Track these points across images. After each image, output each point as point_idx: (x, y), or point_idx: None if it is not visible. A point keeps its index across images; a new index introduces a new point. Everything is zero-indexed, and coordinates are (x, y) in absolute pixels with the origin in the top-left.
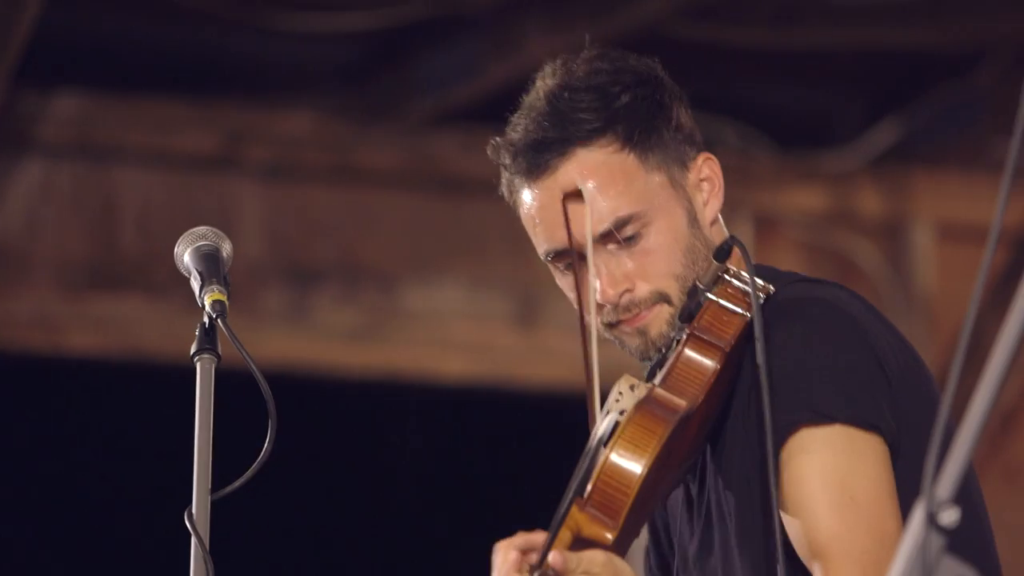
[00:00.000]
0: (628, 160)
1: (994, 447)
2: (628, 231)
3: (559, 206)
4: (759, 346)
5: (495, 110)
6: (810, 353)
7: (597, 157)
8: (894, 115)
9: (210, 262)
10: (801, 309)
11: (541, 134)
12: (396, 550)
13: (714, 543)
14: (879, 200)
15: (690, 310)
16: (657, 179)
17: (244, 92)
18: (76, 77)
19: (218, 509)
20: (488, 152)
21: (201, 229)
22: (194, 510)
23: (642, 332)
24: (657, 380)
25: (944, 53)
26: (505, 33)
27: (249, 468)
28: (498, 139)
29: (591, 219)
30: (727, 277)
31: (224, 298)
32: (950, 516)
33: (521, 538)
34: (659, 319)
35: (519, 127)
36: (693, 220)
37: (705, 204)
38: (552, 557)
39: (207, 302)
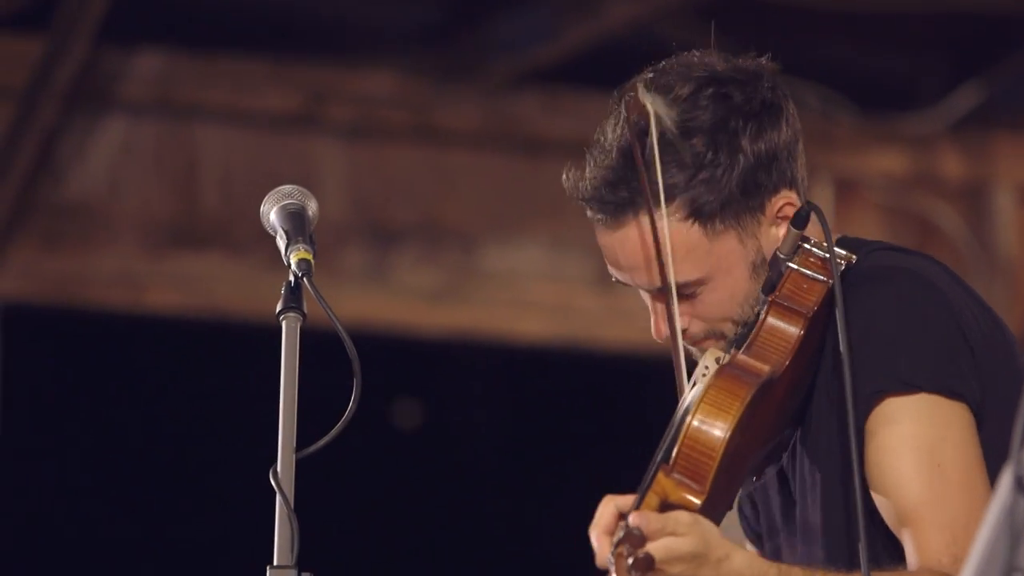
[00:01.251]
0: (692, 231)
1: None
2: (684, 291)
3: (624, 253)
4: (839, 311)
5: (575, 71)
6: (894, 322)
7: (662, 223)
8: (976, 78)
9: (296, 220)
10: (884, 277)
11: (611, 193)
12: (475, 511)
13: (800, 519)
14: (960, 163)
15: (772, 281)
16: (722, 242)
17: (325, 51)
18: (158, 35)
19: (302, 467)
20: (562, 180)
21: (287, 188)
22: (279, 469)
23: (701, 351)
24: (741, 349)
25: None
26: None
27: (333, 427)
28: (573, 174)
29: (647, 279)
30: (807, 246)
31: (310, 257)
32: None
33: (624, 498)
34: (715, 345)
35: (592, 168)
36: (758, 266)
37: (779, 238)
38: (633, 518)
39: (293, 260)
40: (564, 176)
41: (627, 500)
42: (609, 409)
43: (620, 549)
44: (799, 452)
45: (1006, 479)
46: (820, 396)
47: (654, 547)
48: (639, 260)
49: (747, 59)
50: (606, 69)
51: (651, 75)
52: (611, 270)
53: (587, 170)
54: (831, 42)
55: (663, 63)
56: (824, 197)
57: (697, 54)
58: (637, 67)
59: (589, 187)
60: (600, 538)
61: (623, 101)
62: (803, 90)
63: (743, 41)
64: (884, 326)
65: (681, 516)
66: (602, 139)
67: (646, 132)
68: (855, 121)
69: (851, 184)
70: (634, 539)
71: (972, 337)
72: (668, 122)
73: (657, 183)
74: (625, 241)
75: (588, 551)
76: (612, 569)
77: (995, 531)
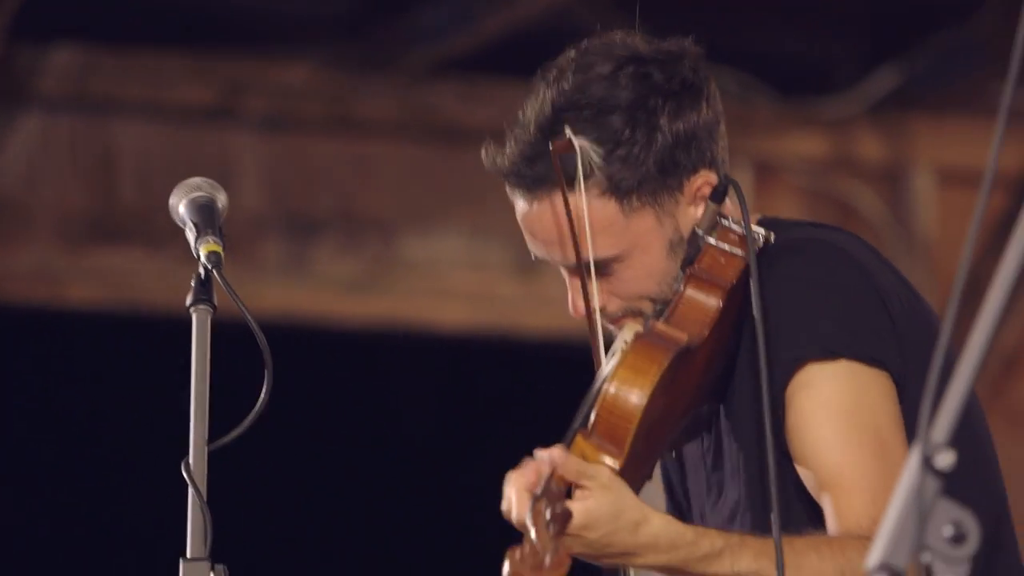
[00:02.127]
0: (608, 207)
1: (996, 391)
2: (601, 268)
3: (541, 228)
4: (754, 285)
5: (492, 60)
6: (812, 291)
7: (578, 200)
8: (894, 61)
9: (205, 213)
10: (803, 250)
11: (529, 168)
12: (396, 501)
13: (725, 493)
14: (879, 146)
15: (690, 256)
16: (638, 219)
17: (241, 44)
18: (73, 30)
19: (216, 460)
20: (481, 155)
21: (196, 180)
22: (191, 461)
23: (620, 329)
24: (660, 319)
25: None
26: None
27: (245, 418)
28: (492, 149)
29: (563, 254)
30: (725, 222)
31: (219, 249)
32: (945, 459)
33: (528, 465)
34: (633, 322)
35: (512, 144)
36: (675, 245)
37: (697, 217)
38: (553, 453)
39: (202, 253)
40: (483, 151)
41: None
42: (532, 396)
43: (539, 505)
44: (721, 428)
45: (913, 457)
46: (742, 370)
47: (572, 504)
48: (556, 235)
49: (671, 41)
50: (523, 57)
51: (573, 54)
52: (530, 246)
53: (506, 145)
54: (748, 27)
55: (585, 42)
56: (743, 181)
57: (620, 34)
58: (554, 55)
59: (507, 162)
60: (518, 493)
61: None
62: (721, 75)
63: (661, 27)
64: (803, 296)
65: (600, 470)
66: (521, 116)
67: (565, 108)
68: (773, 105)
69: (770, 168)
70: (553, 494)
71: (892, 307)
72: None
73: (574, 160)
74: (542, 216)
75: (510, 534)
76: (530, 524)
77: (903, 510)
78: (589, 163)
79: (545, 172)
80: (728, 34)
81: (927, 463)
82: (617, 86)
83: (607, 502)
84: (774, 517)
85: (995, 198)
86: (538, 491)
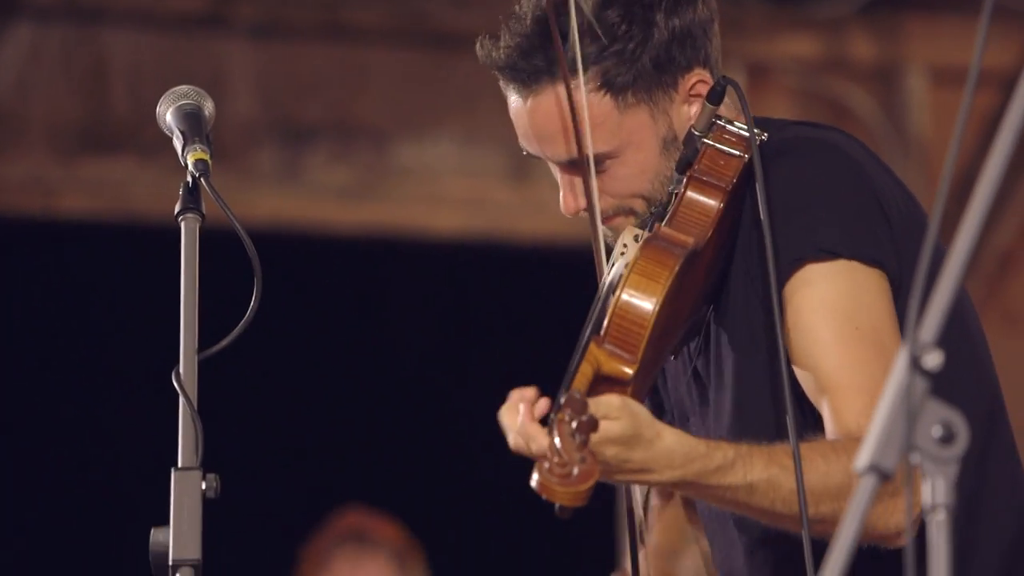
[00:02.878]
0: (603, 102)
1: (991, 290)
2: (594, 163)
3: (536, 123)
4: (760, 184)
5: None
6: (811, 191)
7: (575, 93)
8: None
9: (192, 121)
10: (799, 150)
11: (525, 61)
12: (392, 407)
13: (712, 398)
14: (872, 46)
15: (687, 157)
16: (632, 115)
17: None
18: None
19: (207, 369)
20: (476, 48)
21: (183, 88)
22: (181, 370)
23: (612, 229)
24: (662, 222)
25: None
26: None
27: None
28: (488, 42)
29: (558, 149)
30: (721, 123)
31: (207, 157)
32: (933, 359)
33: (518, 394)
34: (623, 225)
35: (507, 39)
36: (669, 143)
37: (691, 116)
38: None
39: (190, 161)
40: (478, 45)
41: (527, 393)
42: (527, 301)
43: (562, 415)
44: (713, 332)
45: (901, 357)
46: (736, 273)
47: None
48: (551, 130)
49: None
50: None
51: None
52: (522, 142)
53: (502, 38)
54: None
55: None
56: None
57: None
58: None
59: (503, 55)
60: (526, 413)
61: None
62: None
63: None
64: (801, 196)
65: (612, 399)
66: (518, 8)
67: (563, 2)
68: (765, 7)
69: (763, 69)
70: (576, 403)
71: (889, 209)
72: None
73: (572, 52)
74: (537, 110)
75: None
76: (555, 435)
77: (892, 410)
78: (585, 56)
79: (544, 66)
80: None
81: (915, 363)
82: None
83: (621, 425)
84: (789, 420)
85: (987, 95)
86: (561, 400)
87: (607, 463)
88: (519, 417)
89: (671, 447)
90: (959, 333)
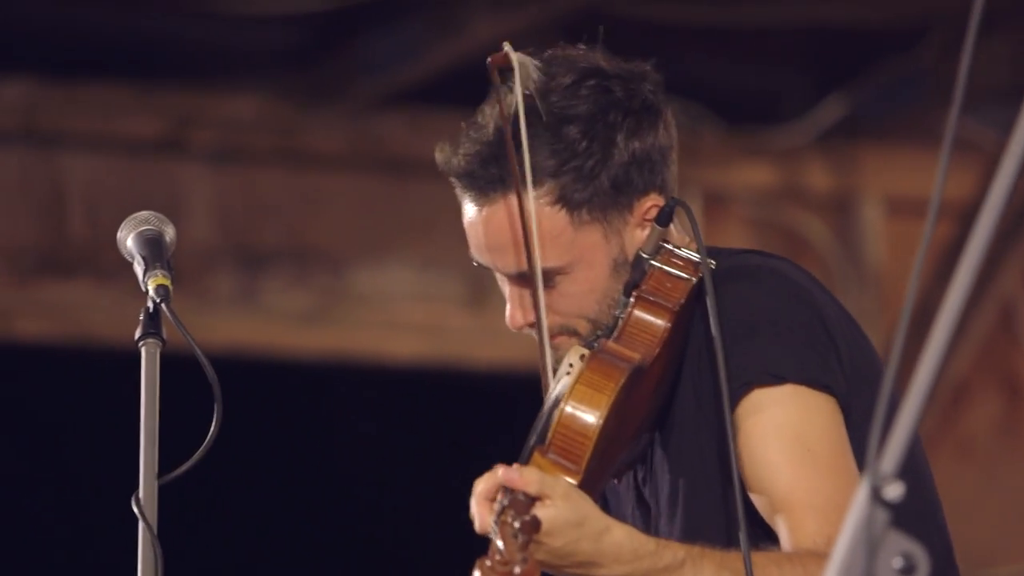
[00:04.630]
0: (558, 217)
1: (946, 420)
2: (544, 279)
3: (489, 233)
4: (710, 301)
5: (440, 91)
6: (758, 316)
7: (528, 205)
8: (840, 91)
9: (153, 247)
10: (748, 275)
11: (483, 169)
12: (348, 533)
13: (656, 524)
14: (827, 176)
15: (634, 280)
16: (586, 233)
17: (188, 76)
18: (21, 64)
19: (167, 494)
20: (436, 154)
21: (144, 214)
22: (141, 495)
23: (554, 348)
24: (610, 339)
25: (888, 29)
26: (449, 14)
27: (196, 452)
28: (447, 148)
29: (508, 261)
30: (668, 246)
31: (168, 282)
32: (894, 491)
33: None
34: (566, 345)
35: (467, 146)
36: (619, 265)
37: (644, 239)
38: (509, 472)
39: (151, 287)
40: (437, 151)
41: (507, 472)
42: (482, 428)
43: (505, 516)
44: (658, 457)
45: (862, 489)
46: (685, 395)
47: (539, 512)
48: (503, 241)
49: (632, 62)
50: (471, 88)
51: (535, 64)
52: (473, 252)
53: (461, 145)
54: (695, 58)
55: (548, 52)
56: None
57: (583, 48)
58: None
59: (462, 162)
60: (481, 504)
61: (489, 62)
62: (669, 104)
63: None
64: (749, 321)
65: (559, 481)
66: (479, 117)
67: (525, 113)
68: (721, 135)
69: (719, 198)
70: (519, 504)
71: (837, 335)
72: (539, 94)
73: (526, 164)
74: (491, 220)
75: (462, 567)
76: (497, 536)
77: (852, 541)
78: (543, 170)
79: (499, 175)
80: (675, 64)
81: (876, 494)
82: (577, 97)
83: (569, 509)
84: (742, 535)
85: (943, 227)
86: (505, 501)
87: (555, 553)
88: (480, 493)
89: (619, 542)
90: (912, 468)
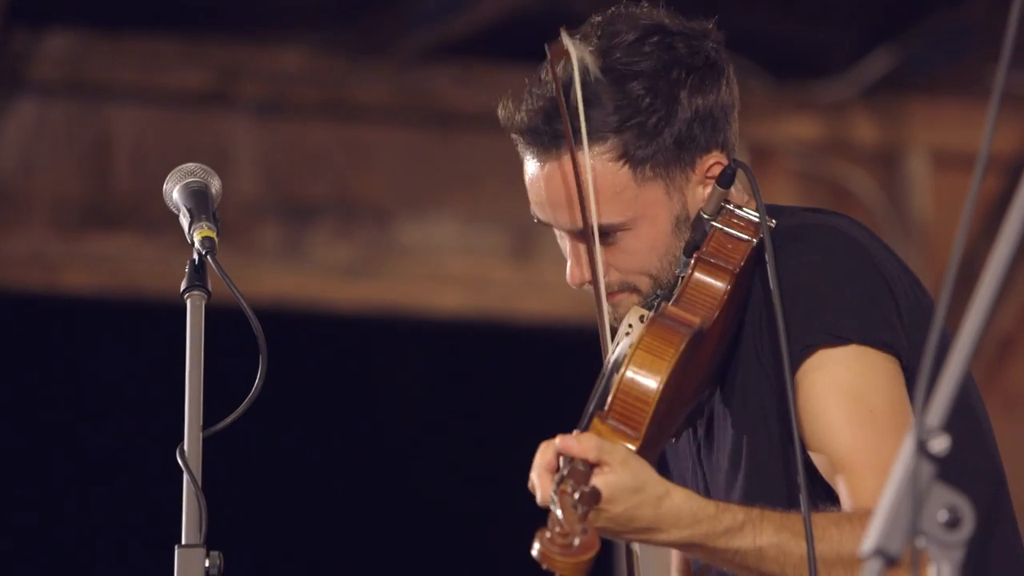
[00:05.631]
0: (621, 173)
1: (991, 375)
2: (605, 236)
3: (550, 189)
4: (770, 267)
5: (488, 44)
6: (821, 277)
7: (592, 162)
8: (888, 44)
9: (199, 199)
10: (808, 235)
11: (547, 125)
12: (392, 487)
13: (716, 480)
14: (874, 129)
15: (695, 240)
16: (648, 190)
17: (236, 29)
18: (67, 16)
19: (211, 446)
20: (498, 110)
21: (190, 166)
22: (186, 447)
23: (614, 306)
24: (669, 302)
25: None
26: None
27: (240, 404)
28: (510, 104)
29: (570, 218)
30: (730, 207)
31: (213, 234)
32: (940, 444)
33: (562, 439)
34: (627, 303)
35: (530, 102)
36: (681, 222)
37: (705, 198)
38: (566, 440)
39: (196, 239)
40: (500, 107)
41: (565, 440)
42: (527, 381)
43: (564, 486)
44: (719, 414)
45: (908, 442)
46: (745, 356)
47: (596, 479)
48: (564, 197)
49: (693, 20)
50: (520, 41)
51: (597, 20)
52: (533, 209)
53: (524, 101)
54: (743, 12)
55: (611, 10)
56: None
57: (646, 6)
58: (550, 39)
59: (525, 118)
60: (541, 476)
61: (548, 48)
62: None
63: None
64: (811, 282)
65: (617, 447)
66: (543, 75)
67: (587, 71)
68: (768, 89)
69: (766, 151)
70: (578, 474)
71: (898, 294)
72: (597, 66)
73: (591, 121)
74: (553, 176)
75: (515, 520)
76: (556, 507)
77: (898, 494)
78: (606, 125)
79: (564, 131)
80: (723, 18)
81: (921, 447)
82: (641, 54)
83: (629, 475)
84: (803, 496)
85: (989, 180)
86: (564, 471)
87: (615, 520)
88: (539, 464)
89: (679, 506)
90: (965, 416)
